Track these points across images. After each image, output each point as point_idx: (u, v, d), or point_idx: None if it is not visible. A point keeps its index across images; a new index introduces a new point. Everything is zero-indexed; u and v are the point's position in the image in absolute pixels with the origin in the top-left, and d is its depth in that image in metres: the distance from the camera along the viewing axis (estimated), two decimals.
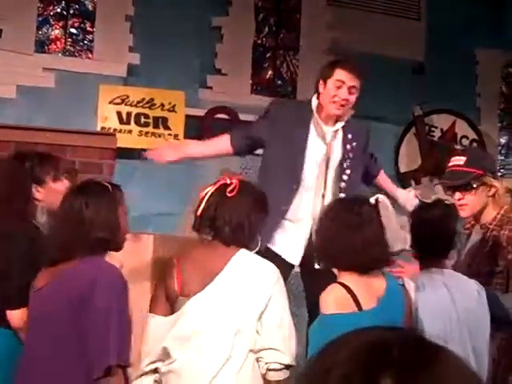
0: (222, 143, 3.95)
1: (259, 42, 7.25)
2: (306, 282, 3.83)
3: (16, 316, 2.86)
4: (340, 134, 3.82)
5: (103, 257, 2.66)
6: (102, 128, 6.14)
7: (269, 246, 3.62)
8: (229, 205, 2.81)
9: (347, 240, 2.68)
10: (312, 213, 3.68)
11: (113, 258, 2.80)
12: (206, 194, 2.86)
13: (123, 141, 5.97)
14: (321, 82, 3.80)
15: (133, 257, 3.68)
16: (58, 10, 6.67)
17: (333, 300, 2.66)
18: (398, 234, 2.81)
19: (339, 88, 3.70)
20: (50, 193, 3.24)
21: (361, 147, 3.88)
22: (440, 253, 3.14)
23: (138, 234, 4.01)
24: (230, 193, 2.82)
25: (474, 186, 3.29)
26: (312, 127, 3.78)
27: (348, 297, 2.65)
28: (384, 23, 7.29)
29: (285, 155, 3.73)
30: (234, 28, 6.92)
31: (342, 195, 3.67)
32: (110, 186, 2.71)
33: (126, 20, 6.54)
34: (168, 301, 2.77)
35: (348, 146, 3.80)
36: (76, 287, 2.52)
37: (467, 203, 3.30)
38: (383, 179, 4.24)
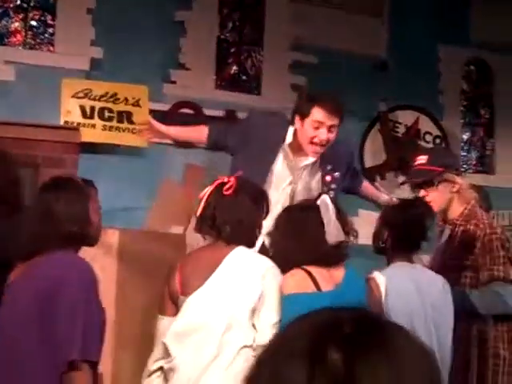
0: (198, 132, 3.95)
1: (223, 37, 7.21)
2: None
3: None
4: (314, 161, 3.64)
5: (76, 251, 2.63)
6: (65, 122, 6.03)
7: None
8: (227, 203, 2.83)
9: (293, 243, 2.82)
10: None
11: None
12: (204, 194, 2.88)
13: (87, 135, 5.90)
14: (297, 117, 3.56)
15: (98, 251, 3.63)
16: (18, 3, 6.53)
17: (293, 281, 2.75)
18: (336, 228, 2.90)
19: (317, 129, 3.48)
20: None
21: (343, 172, 3.72)
22: (413, 248, 3.25)
23: (103, 228, 3.96)
24: (226, 191, 2.83)
25: (435, 182, 3.44)
26: (281, 154, 3.61)
27: (308, 279, 2.76)
28: (347, 19, 7.31)
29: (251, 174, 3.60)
30: (198, 23, 6.87)
31: None
32: (81, 182, 2.72)
33: (87, 13, 6.44)
34: (172, 301, 2.81)
35: (328, 178, 3.62)
36: (44, 280, 2.48)
37: (431, 200, 3.43)
38: (366, 189, 4.16)
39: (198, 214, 2.87)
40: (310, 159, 3.60)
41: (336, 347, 0.86)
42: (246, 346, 2.67)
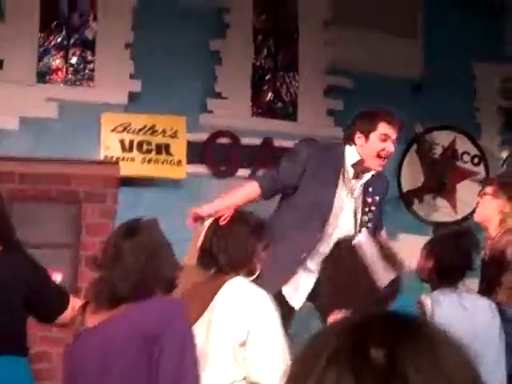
0: (250, 191, 3.82)
1: (258, 63, 7.29)
2: None
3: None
4: (361, 187, 3.76)
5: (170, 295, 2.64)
6: (105, 157, 6.18)
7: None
8: (222, 234, 2.86)
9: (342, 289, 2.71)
10: None
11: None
12: (204, 227, 2.93)
13: (126, 169, 6.03)
14: (359, 134, 3.72)
15: None
16: (59, 40, 6.73)
17: None
18: (383, 268, 2.91)
19: (384, 141, 3.67)
20: None
21: (378, 202, 3.81)
22: (458, 277, 3.33)
23: None
24: (222, 222, 2.87)
25: (483, 192, 3.65)
26: (341, 177, 3.72)
27: None
28: (381, 41, 7.34)
29: (313, 203, 3.67)
30: (233, 51, 6.97)
31: None
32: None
33: (125, 48, 6.60)
34: None
35: (369, 199, 3.73)
36: (149, 324, 2.46)
37: (478, 207, 3.68)
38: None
39: (198, 246, 2.89)
40: (367, 175, 3.72)
41: (376, 344, 0.86)
42: (235, 381, 2.65)
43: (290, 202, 3.78)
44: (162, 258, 2.60)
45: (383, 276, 2.86)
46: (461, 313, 3.17)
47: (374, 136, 3.68)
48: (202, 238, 2.89)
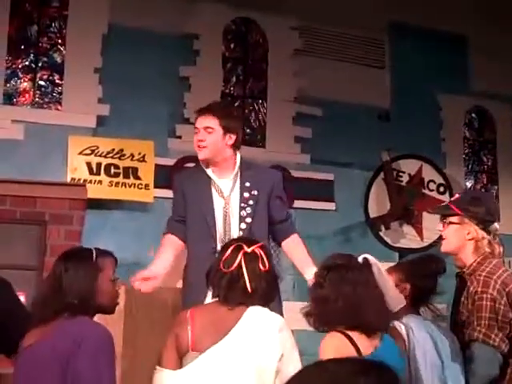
0: (170, 244, 3.90)
1: (227, 91, 7.33)
2: None
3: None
4: (238, 184, 3.80)
5: (90, 318, 2.70)
6: (72, 179, 6.13)
7: None
8: (264, 277, 2.85)
9: (354, 301, 2.72)
10: None
11: None
12: (237, 265, 2.85)
13: (93, 191, 5.98)
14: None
15: None
16: (27, 63, 6.70)
17: (333, 348, 2.66)
18: (396, 294, 2.93)
19: (196, 134, 3.89)
20: None
21: (265, 195, 3.79)
22: (425, 301, 3.37)
23: None
24: (263, 268, 2.84)
25: (448, 221, 3.46)
26: (211, 186, 3.80)
27: (348, 344, 2.67)
28: (349, 72, 7.44)
29: (198, 220, 3.75)
30: (202, 77, 7.00)
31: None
32: (94, 253, 2.78)
33: (94, 72, 6.59)
34: (178, 354, 2.73)
35: (246, 194, 3.76)
36: (63, 340, 2.54)
37: (445, 237, 3.48)
38: (294, 245, 3.90)
39: (239, 286, 2.81)
40: (231, 175, 3.80)
41: None
42: None
43: (187, 227, 3.85)
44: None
45: (396, 300, 2.89)
46: (429, 340, 3.19)
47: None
48: (245, 278, 2.82)
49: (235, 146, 3.87)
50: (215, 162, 3.82)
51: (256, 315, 2.75)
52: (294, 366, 2.65)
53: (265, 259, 2.83)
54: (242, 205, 3.73)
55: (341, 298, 2.73)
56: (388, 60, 7.69)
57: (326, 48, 7.48)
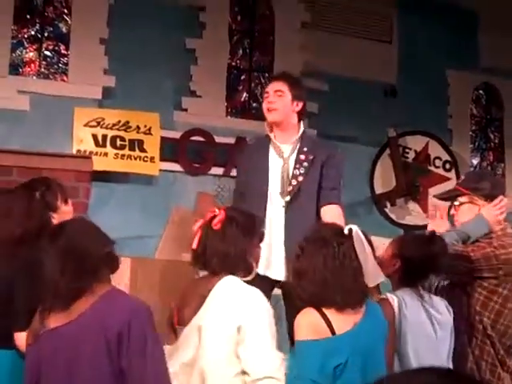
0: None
1: (233, 64, 7.29)
2: (287, 304, 3.80)
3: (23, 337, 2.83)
4: (297, 148, 3.98)
5: (109, 282, 2.59)
6: (78, 151, 6.12)
7: None
8: (215, 236, 2.86)
9: (324, 276, 2.68)
10: (280, 225, 3.84)
11: None
12: (197, 228, 2.92)
13: (99, 164, 5.97)
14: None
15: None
16: (32, 33, 6.65)
17: (306, 325, 2.66)
18: (375, 269, 2.89)
19: (266, 97, 4.03)
20: (63, 216, 3.21)
21: (318, 162, 3.94)
22: (422, 279, 3.36)
23: None
24: (215, 225, 2.86)
25: (457, 203, 3.64)
26: (271, 148, 3.97)
27: (321, 321, 2.64)
28: (356, 46, 7.38)
29: (253, 179, 3.94)
30: (209, 50, 6.95)
31: (287, 199, 3.83)
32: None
33: (100, 43, 6.54)
34: (172, 330, 2.85)
35: (302, 157, 3.94)
36: (112, 325, 2.43)
37: (457, 219, 3.65)
38: (327, 210, 3.94)
39: (192, 248, 2.90)
40: (293, 138, 3.98)
41: None
42: (237, 374, 2.66)
43: (240, 189, 4.08)
44: (87, 248, 2.53)
45: (374, 275, 2.86)
46: (423, 314, 3.20)
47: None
48: (195, 240, 2.89)
49: (301, 114, 4.04)
50: (281, 126, 3.98)
51: (227, 286, 2.76)
52: (255, 341, 2.64)
53: (217, 219, 2.86)
54: (297, 165, 3.92)
55: (311, 272, 2.69)
56: (396, 35, 7.62)
57: (333, 22, 7.42)
